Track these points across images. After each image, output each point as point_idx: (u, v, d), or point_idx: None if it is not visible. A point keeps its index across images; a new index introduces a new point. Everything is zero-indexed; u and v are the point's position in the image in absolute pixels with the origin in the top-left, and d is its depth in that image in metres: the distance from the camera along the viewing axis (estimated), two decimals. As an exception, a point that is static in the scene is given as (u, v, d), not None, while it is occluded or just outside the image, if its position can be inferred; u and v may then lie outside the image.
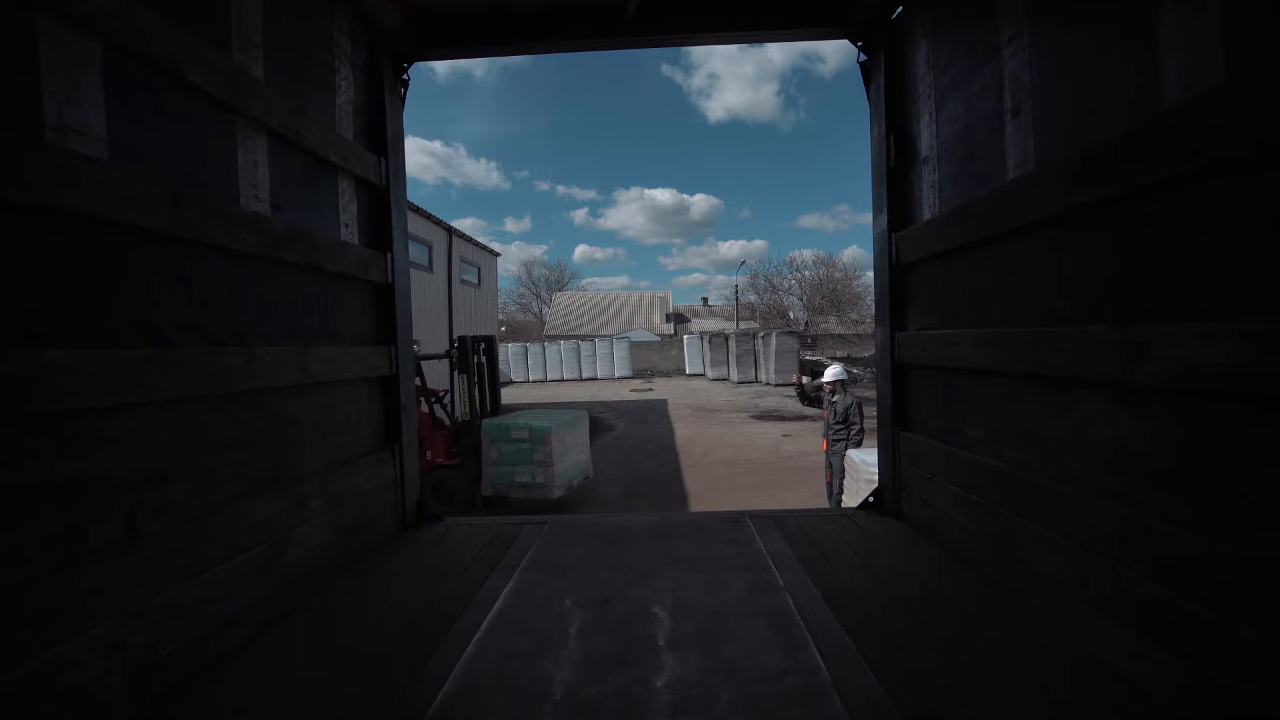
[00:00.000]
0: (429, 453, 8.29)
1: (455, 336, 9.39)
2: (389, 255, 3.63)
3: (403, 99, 3.90)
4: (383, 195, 3.65)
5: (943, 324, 3.11)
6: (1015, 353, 2.43)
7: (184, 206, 2.13)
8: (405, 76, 3.90)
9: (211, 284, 2.31)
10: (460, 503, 8.10)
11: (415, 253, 17.55)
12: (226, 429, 2.35)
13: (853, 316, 50.05)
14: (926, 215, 3.27)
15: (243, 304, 2.47)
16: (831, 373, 7.60)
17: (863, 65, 3.85)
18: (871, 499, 3.91)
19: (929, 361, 3.22)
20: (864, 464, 6.43)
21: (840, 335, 44.00)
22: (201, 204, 2.23)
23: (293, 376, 2.73)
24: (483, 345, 9.21)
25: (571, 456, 8.27)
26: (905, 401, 3.58)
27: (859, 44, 3.82)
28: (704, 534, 3.46)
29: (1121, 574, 1.91)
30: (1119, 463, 1.95)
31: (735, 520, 3.70)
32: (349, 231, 3.34)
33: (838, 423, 7.23)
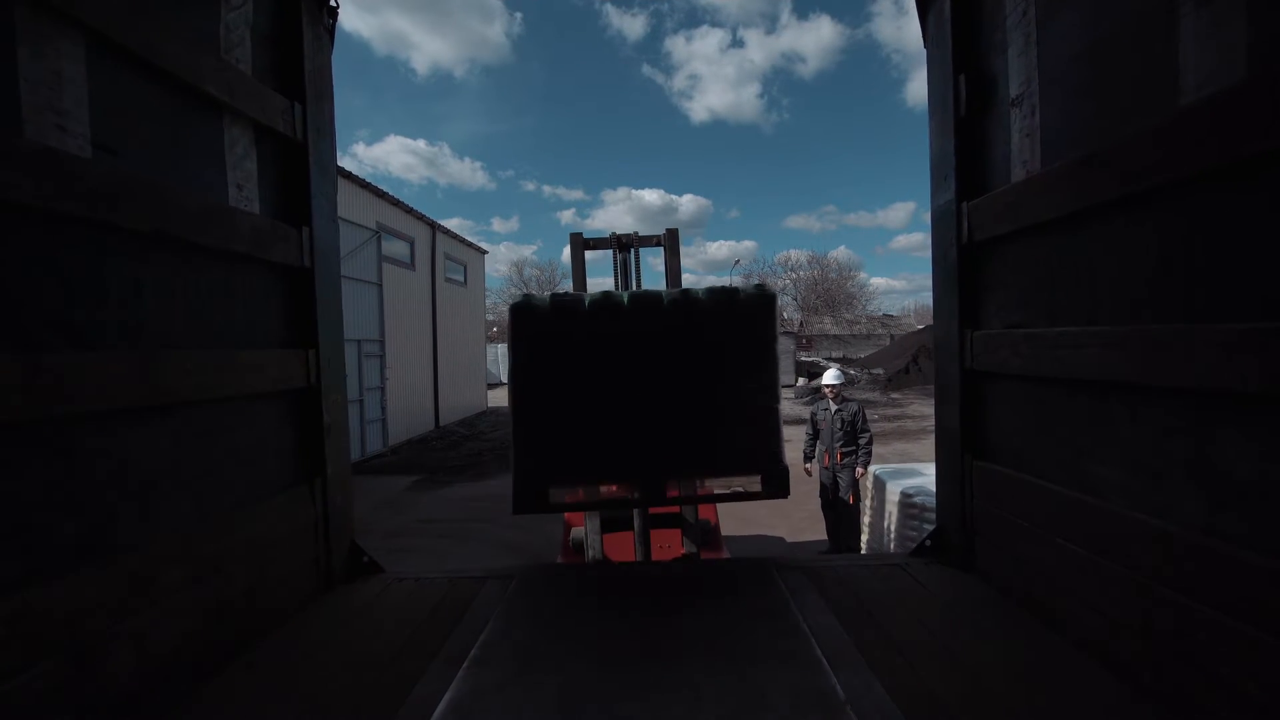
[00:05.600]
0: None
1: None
2: (305, 230, 2.77)
3: (330, 31, 3.04)
4: (298, 151, 2.78)
5: (1048, 320, 2.29)
6: (1211, 358, 1.60)
7: None
8: (333, 3, 3.04)
9: None
10: None
11: (396, 249, 16.65)
12: None
13: (847, 317, 49.53)
14: (1018, 175, 2.45)
15: (27, 288, 1.61)
16: (832, 376, 6.83)
17: (918, -9, 3.03)
18: (928, 542, 3.09)
19: (1024, 370, 2.39)
20: (891, 485, 5.63)
21: (835, 335, 43.42)
22: None
23: (129, 394, 1.87)
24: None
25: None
26: (981, 421, 2.76)
27: None
28: (721, 594, 2.62)
29: None
30: None
31: (759, 570, 2.86)
32: (243, 195, 2.48)
33: (843, 433, 6.46)
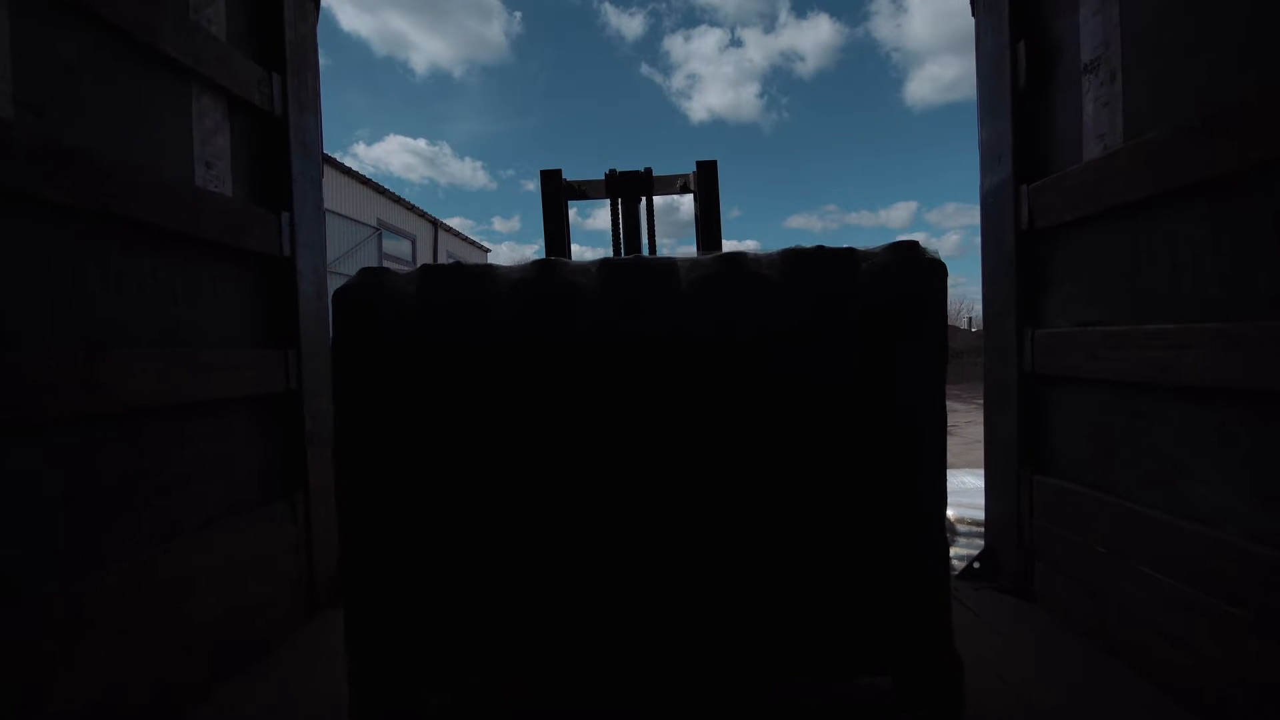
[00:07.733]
0: None
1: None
2: (285, 215, 2.48)
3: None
4: (276, 127, 2.50)
5: (1132, 316, 1.99)
6: None
7: None
8: (319, -34, 2.75)
9: None
10: None
11: (398, 247, 16.40)
12: None
13: (852, 317, 49.08)
14: (1092, 151, 2.16)
15: None
16: None
17: (968, -49, 2.73)
18: (977, 564, 2.79)
19: (1102, 374, 2.09)
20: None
21: (840, 336, 43.02)
22: None
23: (69, 401, 1.58)
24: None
25: None
26: (1043, 431, 2.46)
27: None
28: None
29: None
30: None
31: None
32: (213, 174, 2.19)
33: None
